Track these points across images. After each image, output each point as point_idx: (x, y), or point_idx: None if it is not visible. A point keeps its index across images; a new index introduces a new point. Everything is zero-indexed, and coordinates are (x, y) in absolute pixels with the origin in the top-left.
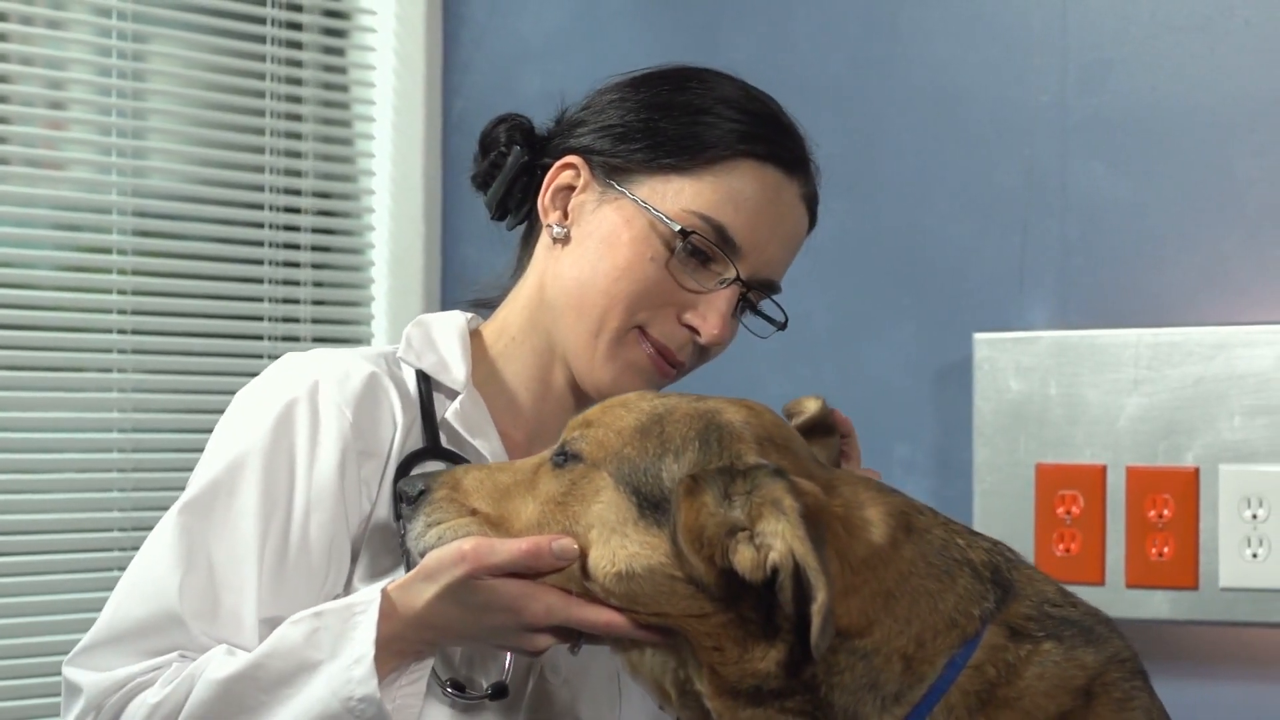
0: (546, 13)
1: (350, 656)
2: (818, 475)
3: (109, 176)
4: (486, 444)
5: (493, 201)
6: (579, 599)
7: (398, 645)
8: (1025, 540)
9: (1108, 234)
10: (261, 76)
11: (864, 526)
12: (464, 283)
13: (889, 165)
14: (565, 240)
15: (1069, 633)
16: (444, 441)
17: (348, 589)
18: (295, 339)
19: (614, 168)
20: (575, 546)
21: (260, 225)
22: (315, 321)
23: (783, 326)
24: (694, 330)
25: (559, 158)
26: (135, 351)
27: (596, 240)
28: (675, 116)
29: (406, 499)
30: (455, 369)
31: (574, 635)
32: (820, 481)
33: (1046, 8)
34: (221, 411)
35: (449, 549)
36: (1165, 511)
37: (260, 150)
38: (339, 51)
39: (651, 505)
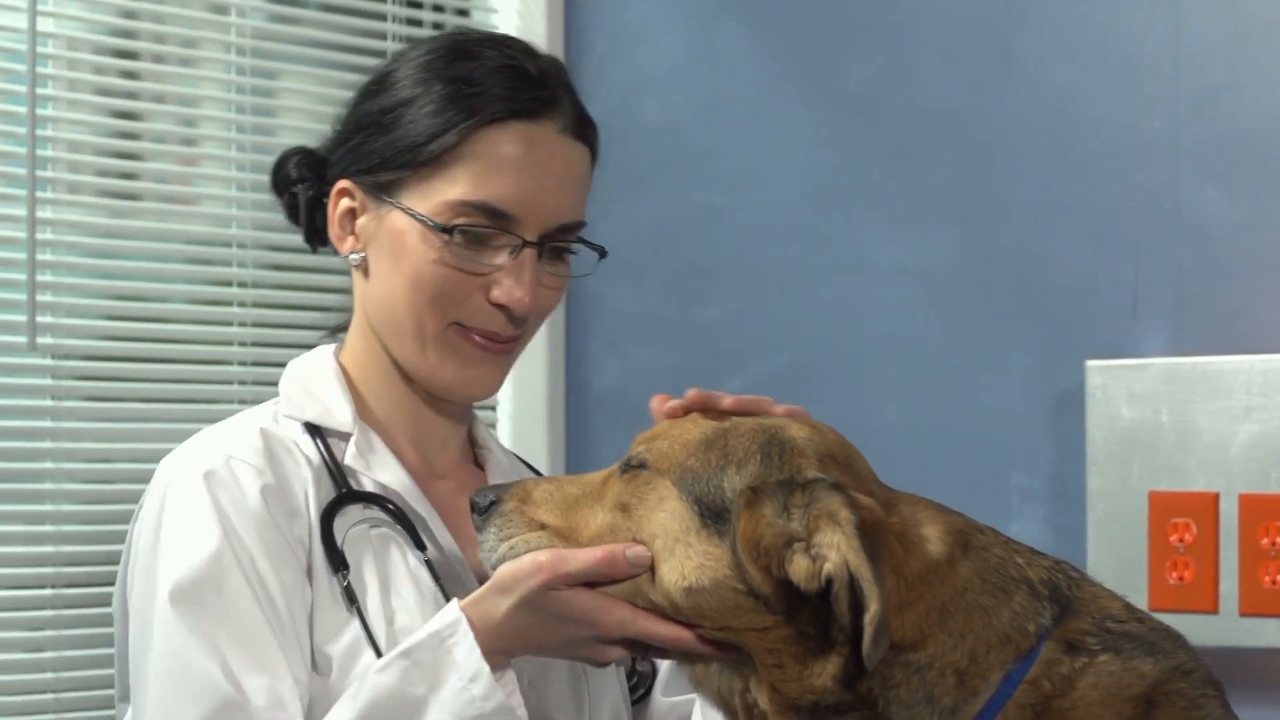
0: (666, 43)
1: (462, 678)
2: (878, 493)
3: (232, 210)
4: (391, 475)
5: (307, 236)
6: (648, 613)
7: (487, 659)
8: (1139, 568)
9: (1221, 259)
10: None
11: (920, 542)
12: (587, 313)
13: (1003, 192)
14: (364, 265)
15: (1129, 646)
16: (354, 485)
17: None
18: None
19: (380, 184)
20: (648, 554)
21: None
22: None
23: (603, 254)
24: (504, 307)
25: (331, 184)
26: (256, 383)
27: (386, 258)
28: (398, 121)
29: (478, 510)
30: (339, 411)
31: (642, 649)
32: (880, 499)
33: (1159, 33)
34: None
35: (524, 561)
36: (1279, 539)
37: None
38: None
39: (713, 515)
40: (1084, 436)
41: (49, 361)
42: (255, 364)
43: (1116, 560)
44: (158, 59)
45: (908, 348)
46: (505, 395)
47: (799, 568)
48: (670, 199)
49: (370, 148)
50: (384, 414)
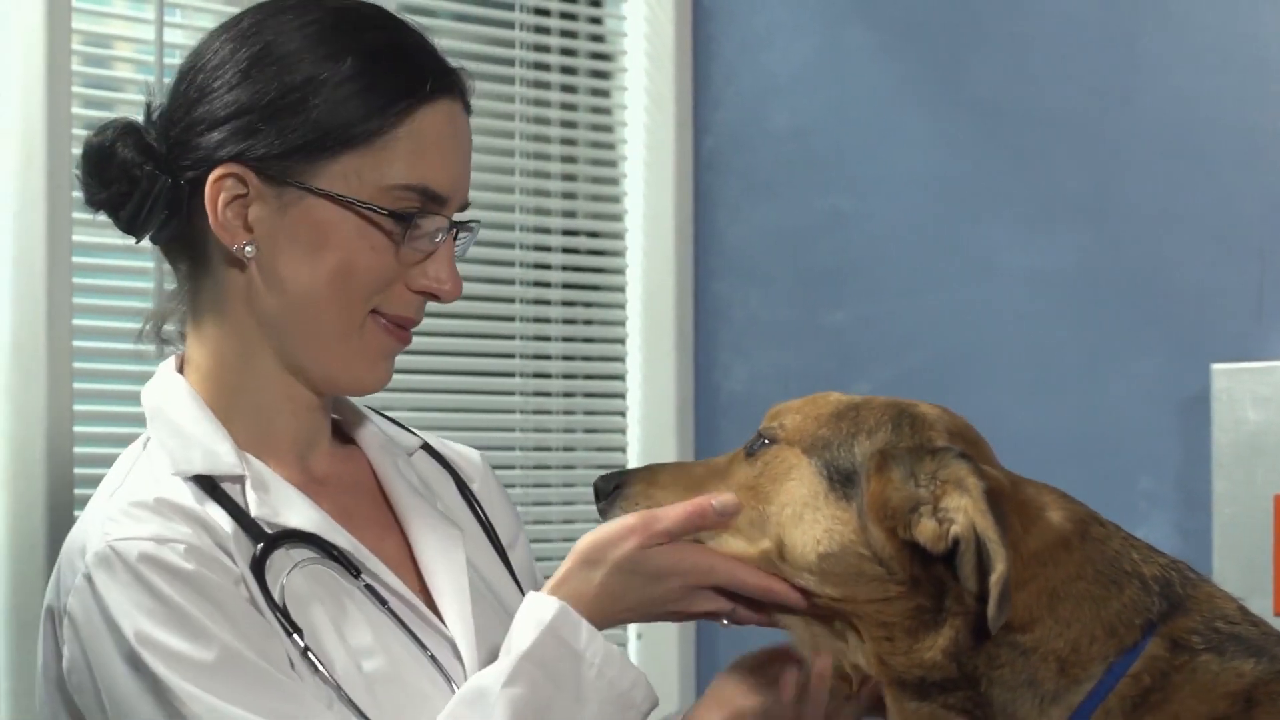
0: (794, 49)
1: (592, 666)
2: (1003, 474)
3: None
4: (301, 516)
5: (135, 228)
6: (739, 560)
7: (606, 613)
8: (1264, 571)
9: None
10: (510, 117)
11: (1041, 523)
12: (717, 318)
13: (1128, 195)
14: (257, 258)
15: (1234, 647)
16: (267, 529)
17: None
18: (546, 375)
19: (285, 169)
20: (736, 500)
21: (511, 264)
22: (566, 359)
23: (479, 227)
24: (430, 294)
25: (201, 169)
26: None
27: (301, 248)
28: (308, 100)
29: (602, 495)
30: (223, 451)
31: (729, 601)
32: (1006, 477)
33: None
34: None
35: (612, 527)
36: None
37: (510, 190)
38: (590, 92)
39: (842, 479)
40: (1209, 440)
41: None
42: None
43: (1241, 564)
44: None
45: (1034, 351)
46: (634, 400)
47: (926, 529)
48: (798, 203)
49: (273, 132)
50: (254, 429)
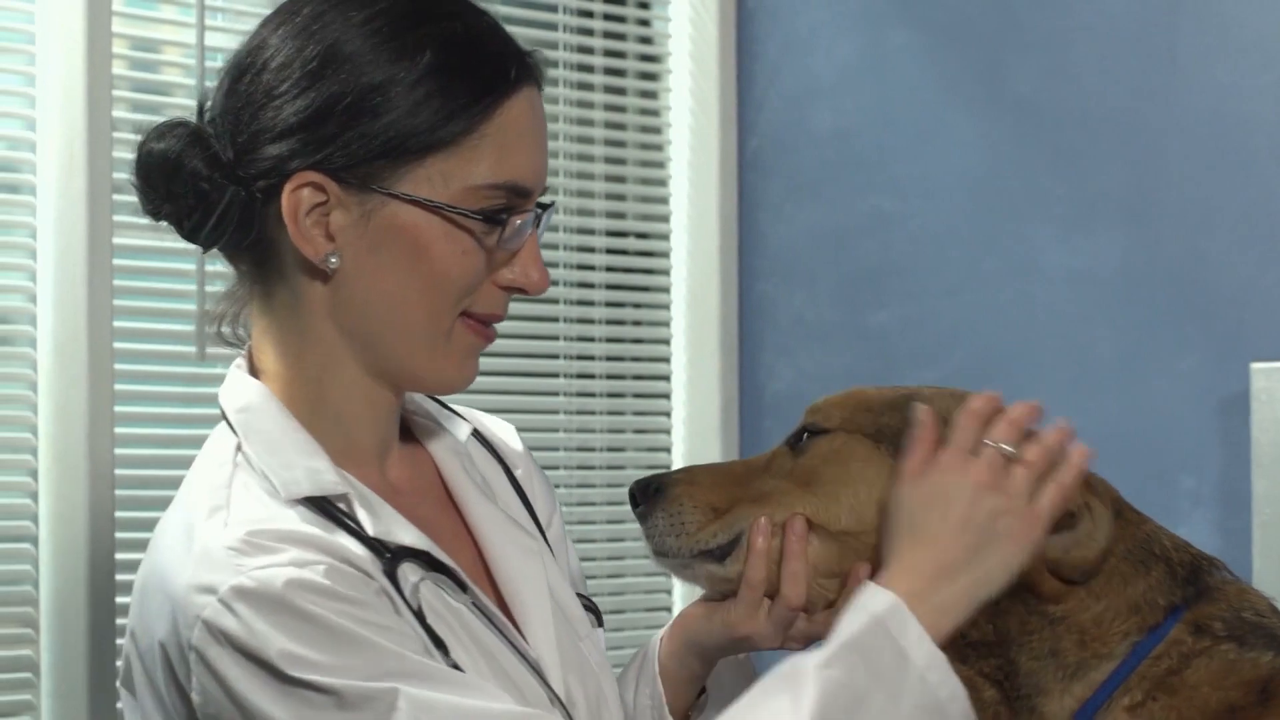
0: (836, 49)
1: (915, 667)
2: None
3: None
4: (409, 535)
5: (202, 239)
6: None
7: (934, 630)
8: None
9: None
10: (555, 119)
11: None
12: (761, 319)
13: (1168, 194)
14: (339, 267)
15: (1256, 638)
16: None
17: None
18: (590, 375)
19: (366, 173)
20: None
21: (555, 265)
22: (611, 359)
23: (552, 206)
24: (519, 289)
25: (275, 178)
26: None
27: (388, 256)
28: (388, 102)
29: (639, 500)
30: (324, 470)
31: None
32: None
33: None
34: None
35: (942, 479)
36: None
37: (555, 192)
38: (635, 93)
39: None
40: (1249, 439)
41: (219, 371)
42: None
43: None
44: None
45: (1075, 350)
46: (679, 400)
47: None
48: (841, 204)
49: (351, 134)
50: (340, 440)
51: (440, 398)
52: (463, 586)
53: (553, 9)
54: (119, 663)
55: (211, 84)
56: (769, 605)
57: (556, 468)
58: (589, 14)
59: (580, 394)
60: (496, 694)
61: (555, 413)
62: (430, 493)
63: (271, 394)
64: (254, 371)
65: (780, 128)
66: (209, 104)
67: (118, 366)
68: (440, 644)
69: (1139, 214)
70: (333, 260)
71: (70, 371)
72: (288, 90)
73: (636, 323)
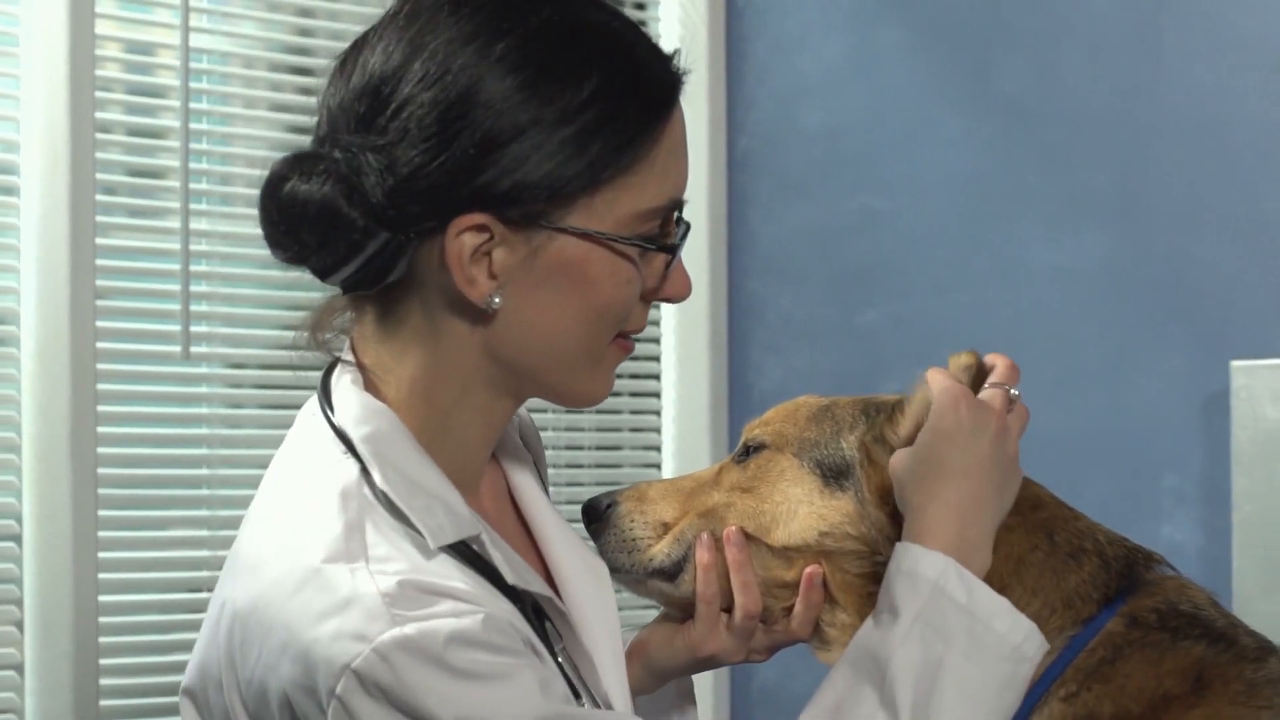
0: (825, 49)
1: (977, 620)
2: None
3: None
4: (537, 583)
5: (345, 280)
6: None
7: (983, 565)
8: None
9: None
10: None
11: None
12: (751, 317)
13: (1152, 193)
14: (501, 305)
15: (1193, 630)
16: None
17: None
18: None
19: (534, 211)
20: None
21: None
22: None
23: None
24: (668, 300)
25: (437, 221)
26: None
27: (552, 289)
28: (554, 135)
29: (593, 516)
30: (459, 506)
31: None
32: None
33: None
34: None
35: (962, 419)
36: None
37: None
38: None
39: (834, 475)
40: (1229, 437)
41: (203, 370)
42: None
43: (1262, 561)
44: (310, 72)
45: (1060, 349)
46: (669, 399)
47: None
48: (830, 203)
49: (515, 174)
50: (455, 466)
51: None
52: (550, 646)
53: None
54: (183, 677)
55: (332, 101)
56: (727, 619)
57: (546, 466)
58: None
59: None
60: None
61: (544, 410)
62: (506, 512)
63: (399, 421)
64: (370, 391)
65: (769, 127)
66: (337, 134)
67: (100, 367)
68: (576, 695)
69: (1124, 213)
70: (495, 300)
71: (53, 372)
72: (445, 128)
73: None
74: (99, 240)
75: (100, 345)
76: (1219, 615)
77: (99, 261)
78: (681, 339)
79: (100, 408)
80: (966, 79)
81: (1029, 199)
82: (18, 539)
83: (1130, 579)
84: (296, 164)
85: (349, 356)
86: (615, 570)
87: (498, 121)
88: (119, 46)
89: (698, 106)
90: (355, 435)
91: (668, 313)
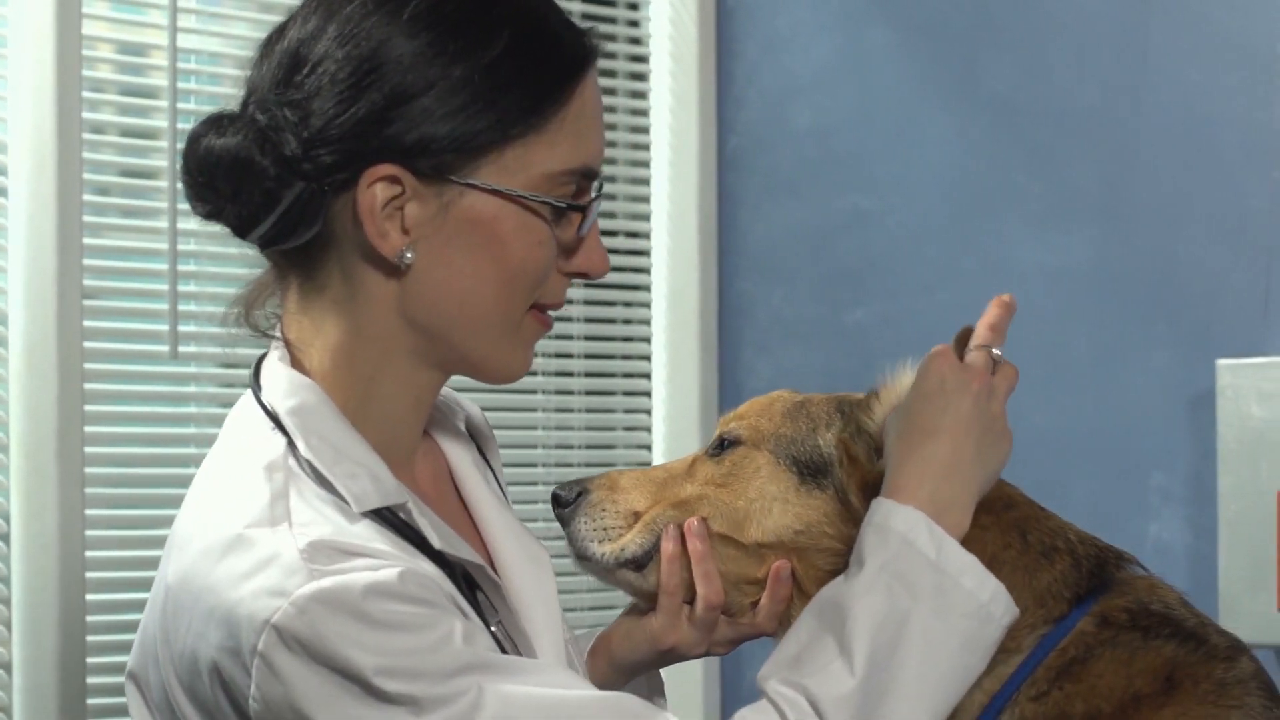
0: (815, 48)
1: (946, 575)
2: None
3: None
4: (464, 545)
5: (262, 236)
6: None
7: (959, 524)
8: (1268, 566)
9: None
10: None
11: None
12: (741, 317)
13: (1139, 192)
14: (412, 261)
15: (1164, 630)
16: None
17: None
18: (569, 373)
19: (444, 164)
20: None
21: None
22: (590, 357)
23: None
24: (584, 275)
25: (350, 173)
26: None
27: (463, 247)
28: (465, 88)
29: (563, 503)
30: (384, 476)
31: None
32: None
33: None
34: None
35: (946, 378)
36: None
37: None
38: (615, 92)
39: (811, 472)
40: (1215, 436)
41: (191, 370)
42: None
43: (1246, 559)
44: None
45: (1047, 347)
46: (659, 398)
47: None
48: (819, 202)
49: (426, 127)
50: (383, 439)
51: None
52: (484, 617)
53: None
54: (129, 657)
55: (254, 73)
56: (689, 611)
57: (535, 465)
58: (568, 14)
59: (559, 391)
60: (574, 680)
61: (534, 410)
62: (447, 494)
63: (324, 393)
64: (296, 367)
65: (760, 126)
66: (256, 95)
67: (87, 366)
68: (502, 651)
69: (1110, 212)
70: (408, 255)
71: (41, 371)
72: (352, 80)
73: (615, 320)
74: (87, 240)
75: (88, 345)
76: (1189, 614)
77: (86, 261)
78: (672, 338)
79: (88, 407)
80: (955, 79)
81: (1017, 198)
82: (5, 538)
83: (1101, 578)
84: (214, 123)
85: (278, 334)
86: (584, 559)
87: (406, 76)
88: (108, 47)
89: (688, 106)
90: (281, 410)
91: (658, 312)
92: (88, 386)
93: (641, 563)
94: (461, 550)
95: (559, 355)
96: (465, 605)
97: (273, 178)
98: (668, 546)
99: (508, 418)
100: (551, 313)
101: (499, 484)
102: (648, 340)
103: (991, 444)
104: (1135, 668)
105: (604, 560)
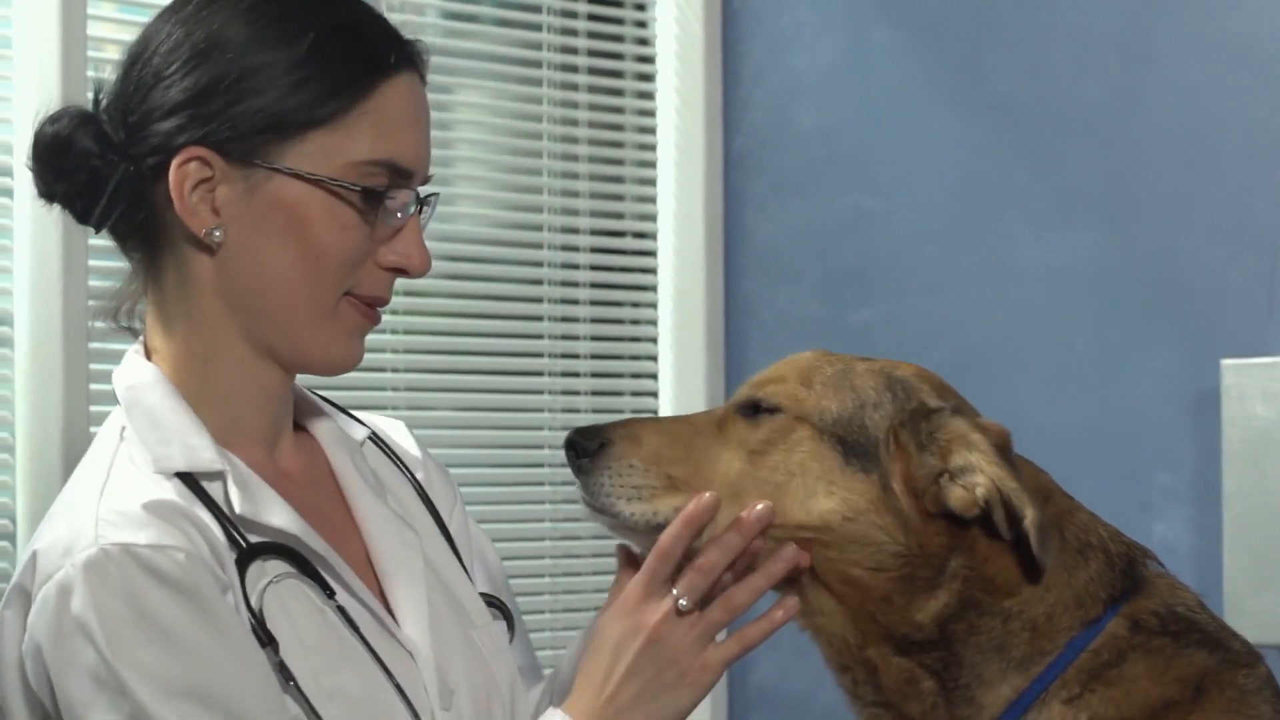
0: (820, 48)
1: None
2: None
3: None
4: (282, 517)
5: (94, 219)
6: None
7: None
8: (1273, 567)
9: None
10: (539, 119)
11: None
12: (747, 317)
13: (1142, 192)
14: (225, 241)
15: (1190, 634)
16: (246, 534)
17: None
18: (575, 374)
19: (250, 148)
20: (717, 497)
21: (540, 265)
22: (595, 358)
23: (435, 197)
24: (401, 271)
25: (163, 155)
26: (408, 389)
27: (271, 230)
28: (271, 80)
29: (582, 451)
30: (201, 446)
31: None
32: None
33: None
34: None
35: (621, 625)
36: None
37: (539, 191)
38: (621, 93)
39: (857, 454)
40: (1220, 436)
41: None
42: (408, 370)
43: (1252, 559)
44: None
45: (1051, 347)
46: (666, 396)
47: (957, 497)
48: (824, 202)
49: (235, 111)
50: (227, 421)
51: (339, 403)
52: (330, 591)
53: (536, 9)
54: None
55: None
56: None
57: (541, 465)
58: (573, 14)
59: (565, 392)
60: None
61: (540, 410)
62: (321, 483)
63: (161, 374)
64: (148, 354)
65: (765, 126)
66: (103, 91)
67: (93, 366)
68: (271, 641)
69: (1114, 212)
70: (216, 234)
71: (47, 372)
72: (175, 71)
73: (621, 321)
74: (93, 240)
75: (93, 345)
76: (1209, 618)
77: (92, 262)
78: (678, 339)
79: (94, 408)
80: (959, 79)
81: (1020, 198)
82: (12, 538)
83: (1132, 578)
84: (52, 113)
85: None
86: (606, 514)
87: (220, 64)
88: (113, 48)
89: (694, 106)
90: (119, 388)
91: (665, 312)
92: (93, 387)
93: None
94: (274, 519)
95: (565, 356)
96: (238, 589)
97: (96, 156)
98: (693, 511)
99: (513, 419)
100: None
101: (424, 497)
102: (654, 340)
103: (658, 694)
104: (1169, 676)
105: (633, 521)
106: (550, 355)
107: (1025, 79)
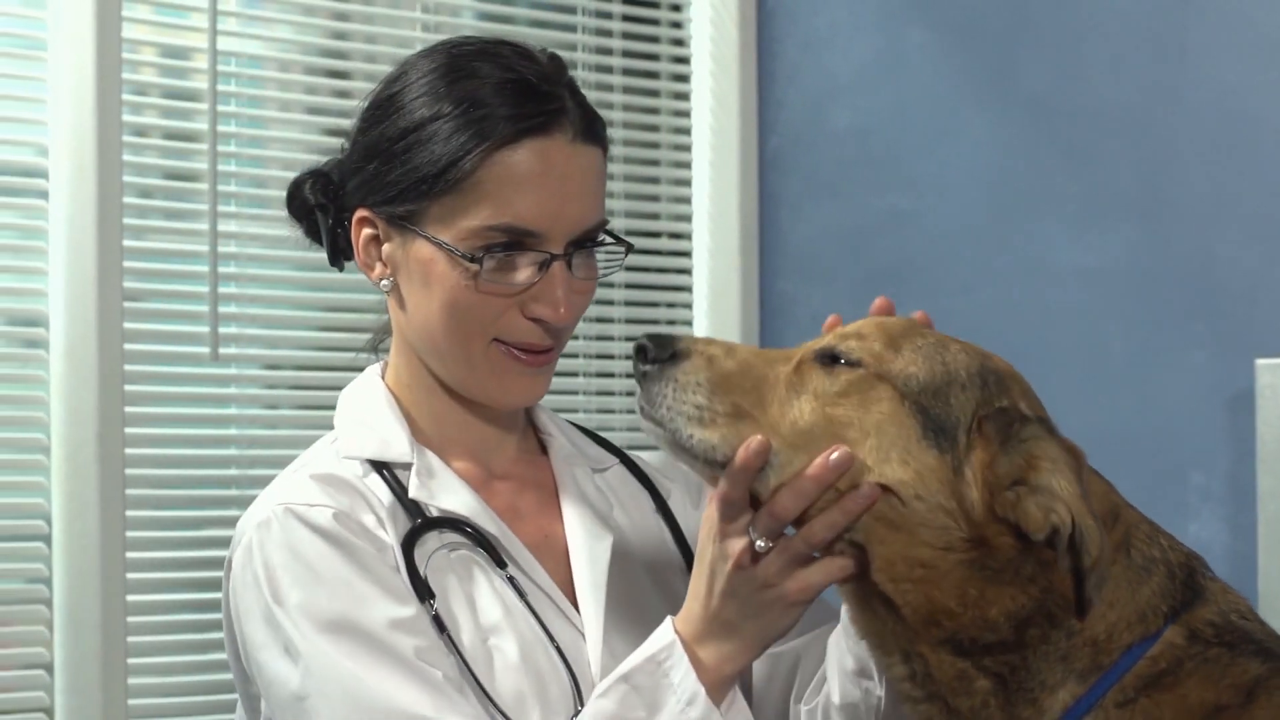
0: (854, 49)
1: (680, 700)
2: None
3: None
4: (456, 499)
5: (331, 258)
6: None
7: (715, 672)
8: None
9: None
10: None
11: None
12: (782, 317)
13: (1176, 191)
14: (396, 289)
15: (1244, 644)
16: (427, 514)
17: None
18: (610, 374)
19: (399, 214)
20: (766, 441)
21: None
22: (630, 358)
23: (629, 248)
24: (541, 320)
25: (348, 213)
26: None
27: (417, 284)
28: (411, 149)
29: (651, 358)
30: (396, 441)
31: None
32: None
33: None
34: None
35: (711, 548)
36: None
37: None
38: (656, 93)
39: (936, 428)
40: (1254, 435)
41: (232, 371)
42: None
43: None
44: (343, 75)
45: (1086, 347)
46: None
47: (1030, 517)
48: (858, 202)
49: (386, 179)
50: (436, 430)
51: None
52: (501, 563)
53: (571, 10)
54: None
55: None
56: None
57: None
58: (608, 15)
59: (600, 393)
60: (430, 687)
61: (575, 411)
62: (537, 488)
63: (385, 388)
64: (384, 373)
65: (800, 126)
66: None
67: (128, 368)
68: (430, 595)
69: (1148, 211)
70: (384, 284)
71: (82, 373)
72: (358, 132)
73: (659, 321)
74: (127, 242)
75: (128, 347)
76: (1259, 626)
77: (127, 264)
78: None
79: (128, 409)
80: (992, 78)
81: (1054, 197)
82: (47, 539)
83: (1191, 589)
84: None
85: None
86: (662, 426)
87: (384, 131)
88: (149, 50)
89: (729, 107)
90: (341, 399)
91: (700, 312)
92: (128, 388)
93: (725, 467)
94: (446, 502)
95: (600, 356)
96: (399, 554)
97: (313, 207)
98: (744, 455)
99: None
100: (546, 325)
101: (673, 520)
102: None
103: (755, 615)
104: (1224, 684)
105: (689, 443)
106: (585, 356)
107: (1059, 78)
